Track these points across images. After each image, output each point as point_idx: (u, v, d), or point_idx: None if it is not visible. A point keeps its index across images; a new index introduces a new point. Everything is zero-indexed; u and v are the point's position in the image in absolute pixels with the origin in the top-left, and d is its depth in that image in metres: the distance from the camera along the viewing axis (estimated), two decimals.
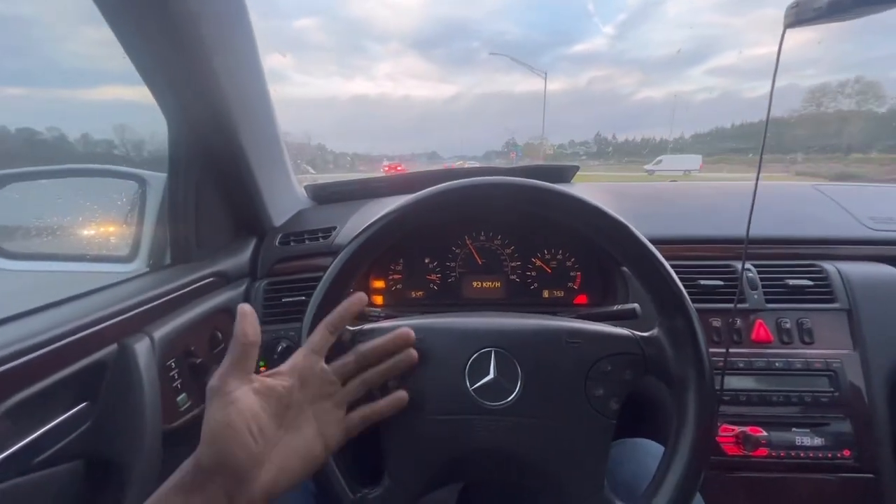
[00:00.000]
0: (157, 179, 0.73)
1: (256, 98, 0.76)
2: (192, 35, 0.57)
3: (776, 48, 0.43)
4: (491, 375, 0.43)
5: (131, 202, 0.74)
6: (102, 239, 0.76)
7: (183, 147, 0.70)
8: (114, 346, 0.52)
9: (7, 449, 0.41)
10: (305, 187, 1.02)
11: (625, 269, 0.76)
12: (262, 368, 0.75)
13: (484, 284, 0.87)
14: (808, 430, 0.65)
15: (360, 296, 0.43)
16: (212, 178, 0.75)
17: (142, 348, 0.54)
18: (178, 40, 0.56)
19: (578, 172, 1.07)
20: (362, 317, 0.48)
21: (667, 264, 0.42)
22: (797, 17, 0.40)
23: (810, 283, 0.71)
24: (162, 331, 0.58)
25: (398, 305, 0.88)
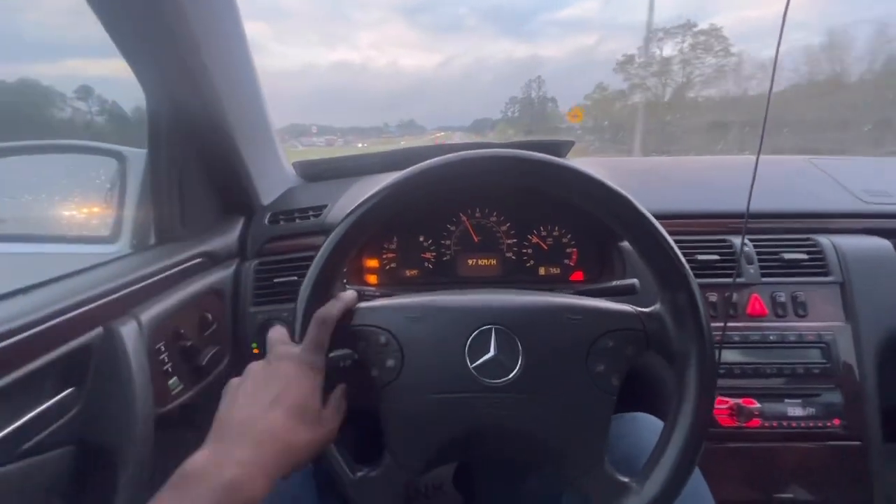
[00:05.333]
0: (138, 156, 0.69)
1: (241, 69, 0.72)
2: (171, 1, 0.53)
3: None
4: (491, 353, 0.42)
5: (111, 180, 0.71)
6: (83, 219, 0.73)
7: (163, 121, 0.67)
8: (99, 330, 0.50)
9: None
10: (294, 164, 0.99)
11: (622, 244, 0.75)
12: (254, 351, 0.73)
13: (479, 262, 0.86)
14: (799, 401, 0.66)
15: (352, 295, 0.45)
16: (196, 154, 0.71)
17: (129, 331, 0.52)
18: (157, 6, 0.52)
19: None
20: (358, 295, 0.47)
21: (670, 239, 0.41)
22: None
23: (805, 256, 0.71)
24: (149, 313, 0.56)
25: (392, 285, 0.86)
